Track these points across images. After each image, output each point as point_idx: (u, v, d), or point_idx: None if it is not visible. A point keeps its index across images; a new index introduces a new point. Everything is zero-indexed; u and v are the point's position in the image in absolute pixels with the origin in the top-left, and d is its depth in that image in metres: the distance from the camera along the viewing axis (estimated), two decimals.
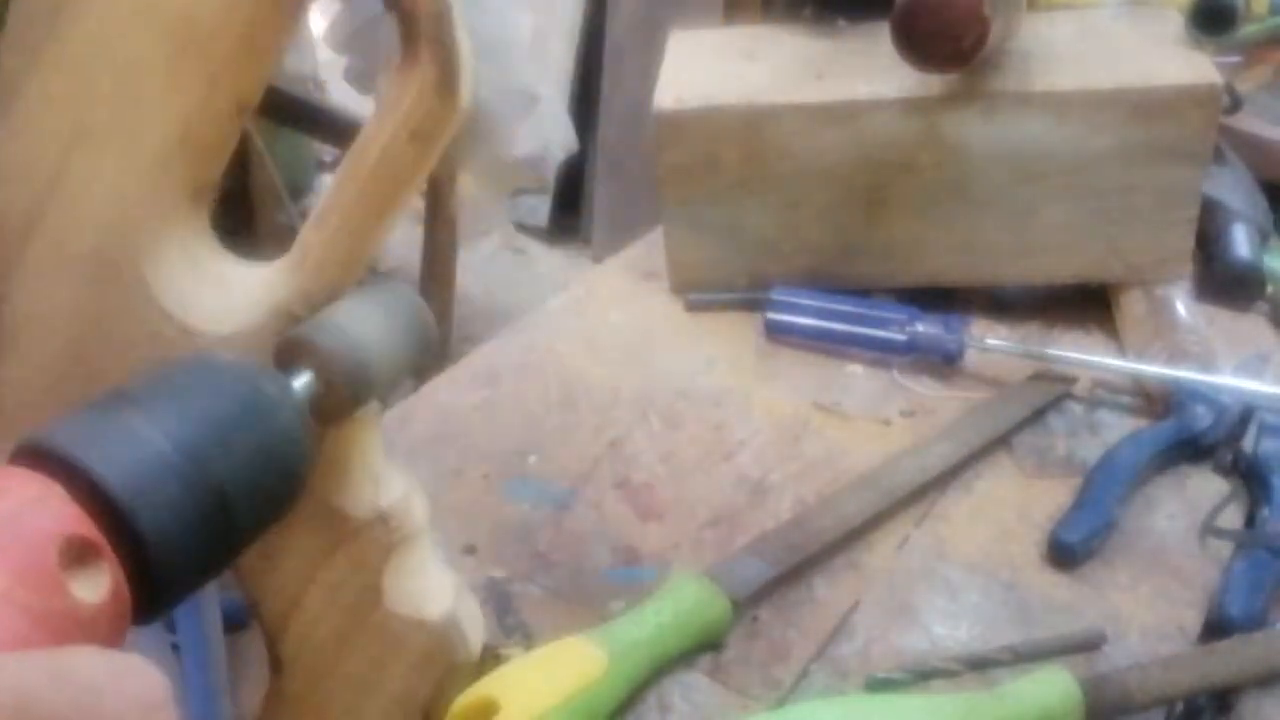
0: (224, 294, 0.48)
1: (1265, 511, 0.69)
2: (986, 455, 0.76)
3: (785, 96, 0.84)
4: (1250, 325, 0.88)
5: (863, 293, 0.89)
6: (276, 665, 0.52)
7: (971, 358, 0.83)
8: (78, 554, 0.31)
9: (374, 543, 0.50)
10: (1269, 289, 0.89)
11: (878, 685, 0.59)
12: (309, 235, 0.47)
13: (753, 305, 0.89)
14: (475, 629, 0.55)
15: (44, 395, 0.49)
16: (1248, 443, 0.74)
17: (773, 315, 0.87)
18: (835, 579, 0.67)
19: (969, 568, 0.67)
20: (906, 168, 0.84)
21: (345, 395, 0.43)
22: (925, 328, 0.83)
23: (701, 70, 0.90)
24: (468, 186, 1.93)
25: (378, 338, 0.45)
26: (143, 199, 0.46)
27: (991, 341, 0.84)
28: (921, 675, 0.60)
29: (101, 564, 0.32)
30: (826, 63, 0.88)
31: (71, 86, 0.46)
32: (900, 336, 0.84)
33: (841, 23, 0.94)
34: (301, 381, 0.42)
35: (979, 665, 0.60)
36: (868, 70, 0.85)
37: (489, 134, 1.79)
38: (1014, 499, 0.73)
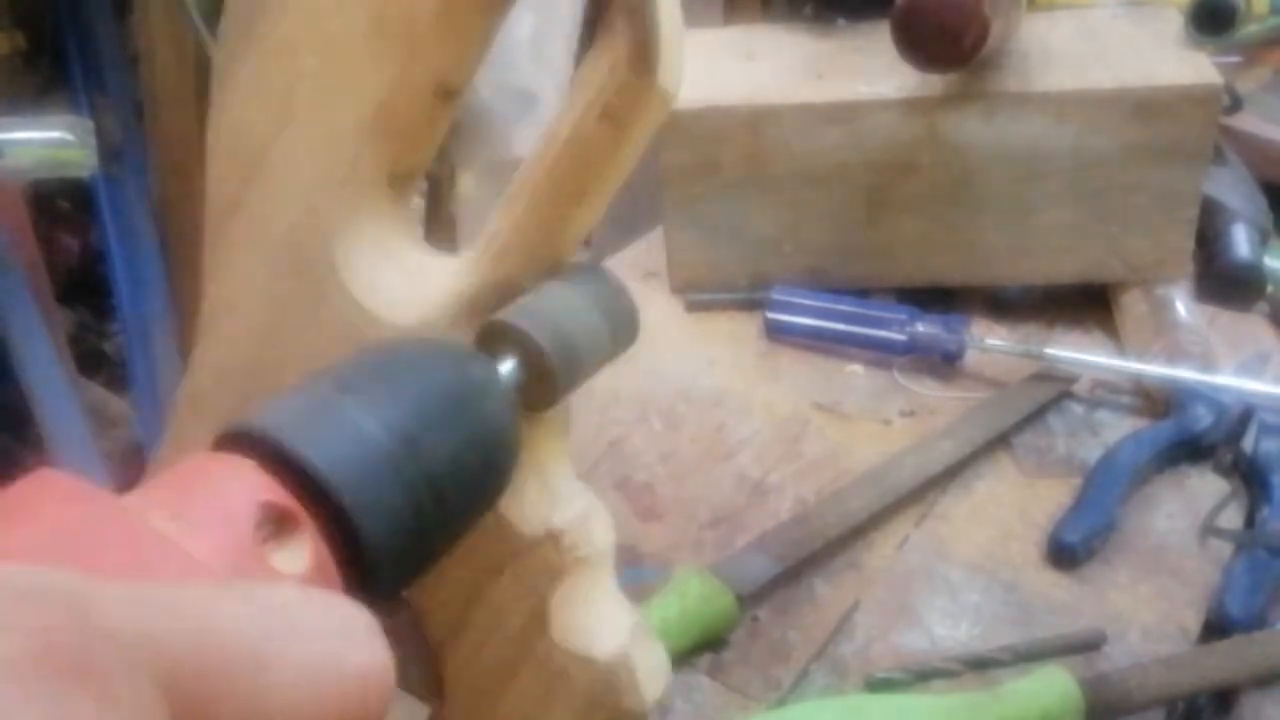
0: (411, 283, 0.47)
1: (1265, 511, 0.69)
2: (986, 455, 0.76)
3: (785, 96, 0.84)
4: (1250, 325, 0.88)
5: (863, 293, 0.89)
6: (438, 687, 0.49)
7: (971, 358, 0.83)
8: (275, 525, 0.30)
9: (543, 564, 0.46)
10: (1269, 289, 0.89)
11: (878, 685, 0.60)
12: (496, 222, 0.45)
13: (753, 305, 0.89)
14: (653, 679, 0.49)
15: (238, 379, 0.48)
16: (1248, 443, 0.74)
17: (773, 315, 0.87)
18: (835, 579, 0.67)
19: (969, 568, 0.67)
20: (906, 168, 0.84)
21: (552, 380, 0.42)
22: (925, 328, 0.83)
23: (701, 70, 0.90)
24: (468, 186, 1.93)
25: (580, 322, 0.43)
26: (337, 181, 0.45)
27: (991, 341, 0.84)
28: (921, 675, 0.60)
29: (302, 535, 0.30)
30: (826, 63, 0.88)
31: (280, 64, 0.46)
32: (900, 336, 0.84)
33: (841, 22, 0.94)
34: (508, 367, 0.41)
35: (979, 665, 0.60)
36: (868, 70, 0.85)
37: (489, 134, 1.79)
38: (1014, 499, 0.73)
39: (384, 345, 0.38)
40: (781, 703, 0.59)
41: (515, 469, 0.39)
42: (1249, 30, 0.98)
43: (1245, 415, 0.75)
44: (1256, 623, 0.62)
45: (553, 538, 0.46)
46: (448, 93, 0.46)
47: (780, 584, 0.65)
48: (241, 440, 0.32)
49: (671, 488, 0.74)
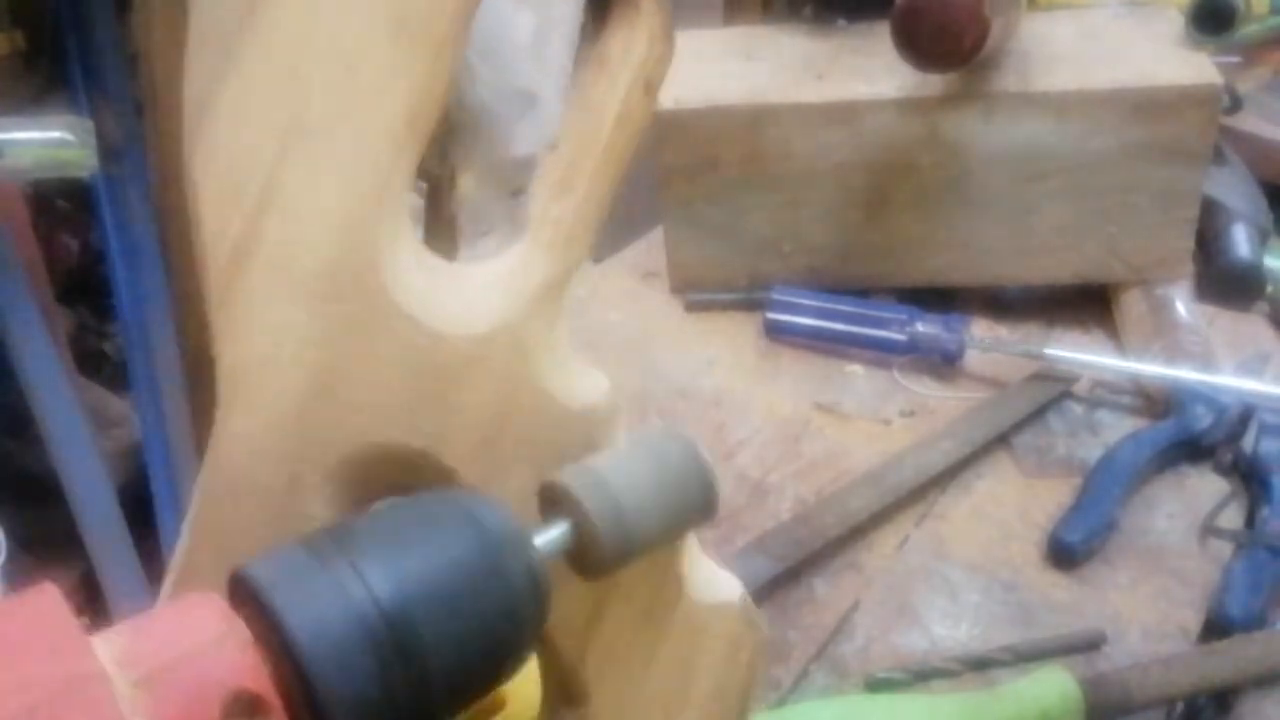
0: (464, 290, 0.43)
1: (1265, 511, 0.69)
2: (986, 455, 0.76)
3: (785, 96, 0.84)
4: (1250, 325, 0.88)
5: (863, 293, 0.89)
6: (577, 697, 0.47)
7: (971, 358, 0.83)
8: (245, 709, 0.30)
9: None
10: (1269, 289, 0.89)
11: (878, 685, 0.59)
12: (554, 209, 0.43)
13: (753, 305, 0.89)
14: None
15: (290, 443, 0.42)
16: (1248, 443, 0.74)
17: (773, 315, 0.87)
18: (835, 579, 0.67)
19: (969, 568, 0.67)
20: (906, 168, 0.84)
21: (604, 552, 0.39)
22: (925, 328, 0.83)
23: (701, 70, 0.90)
24: (468, 186, 1.93)
25: (644, 491, 0.40)
26: (374, 194, 0.42)
27: (991, 341, 0.84)
28: (921, 675, 0.60)
29: None
30: (826, 63, 0.88)
31: (279, 83, 0.41)
32: (900, 336, 0.84)
33: (841, 22, 0.94)
34: (552, 534, 0.38)
35: (979, 665, 0.60)
36: (868, 70, 0.85)
37: (489, 134, 1.79)
38: (1014, 499, 0.73)
39: (405, 502, 0.36)
40: (781, 703, 0.59)
41: (532, 645, 0.37)
42: (1249, 30, 0.98)
43: (1245, 415, 0.75)
44: (1256, 623, 0.62)
45: None
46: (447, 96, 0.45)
47: (780, 584, 0.65)
48: (243, 588, 0.32)
49: None
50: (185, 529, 0.45)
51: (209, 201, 0.42)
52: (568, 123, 0.44)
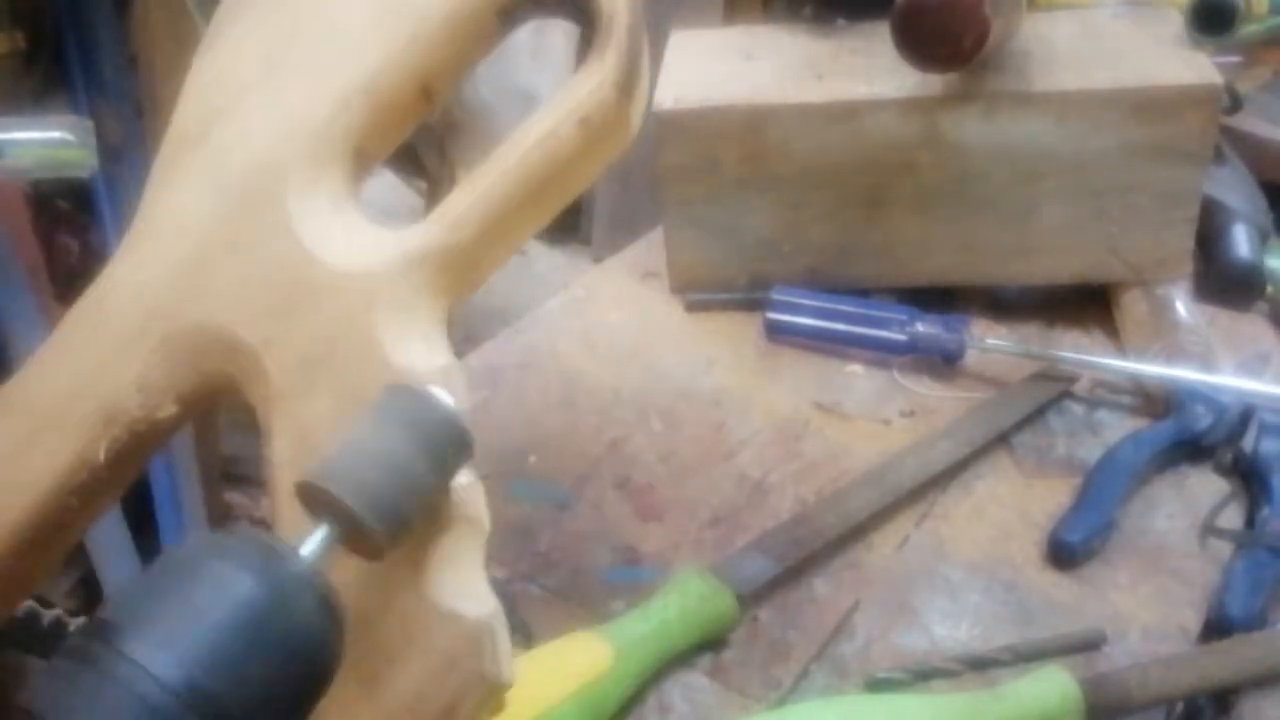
0: (359, 240, 0.49)
1: (1265, 511, 0.69)
2: (986, 455, 0.76)
3: (785, 96, 0.84)
4: (1250, 325, 0.88)
5: (863, 293, 0.89)
6: None
7: (971, 358, 0.83)
8: None
9: (430, 512, 0.44)
10: (1269, 289, 0.89)
11: (878, 685, 0.59)
12: (455, 195, 0.48)
13: (753, 305, 0.89)
14: (509, 661, 0.47)
15: (154, 299, 0.49)
16: (1248, 443, 0.74)
17: (773, 315, 0.87)
18: (835, 579, 0.67)
19: (969, 568, 0.67)
20: (906, 168, 0.84)
21: (376, 537, 0.39)
22: (925, 328, 0.83)
23: (701, 70, 0.90)
24: None
25: (394, 457, 0.39)
26: (309, 134, 0.48)
27: (991, 341, 0.84)
28: (921, 675, 0.60)
29: None
30: (826, 63, 0.88)
31: (275, 28, 0.50)
32: (900, 336, 0.84)
33: (841, 22, 0.94)
34: (314, 543, 0.37)
35: (979, 665, 0.60)
36: (868, 70, 0.85)
37: (489, 134, 1.78)
38: (1014, 499, 0.73)
39: (159, 564, 0.34)
40: (781, 703, 0.59)
41: (339, 662, 0.35)
42: (1249, 30, 0.98)
43: (1245, 415, 0.75)
44: (1256, 623, 0.62)
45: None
46: (429, 95, 0.49)
47: (780, 584, 0.65)
48: (22, 717, 0.30)
49: (671, 488, 0.74)
50: (44, 346, 0.52)
51: (189, 97, 0.51)
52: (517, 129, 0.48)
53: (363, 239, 0.49)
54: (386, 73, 0.48)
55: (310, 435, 0.46)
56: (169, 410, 0.50)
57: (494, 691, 0.45)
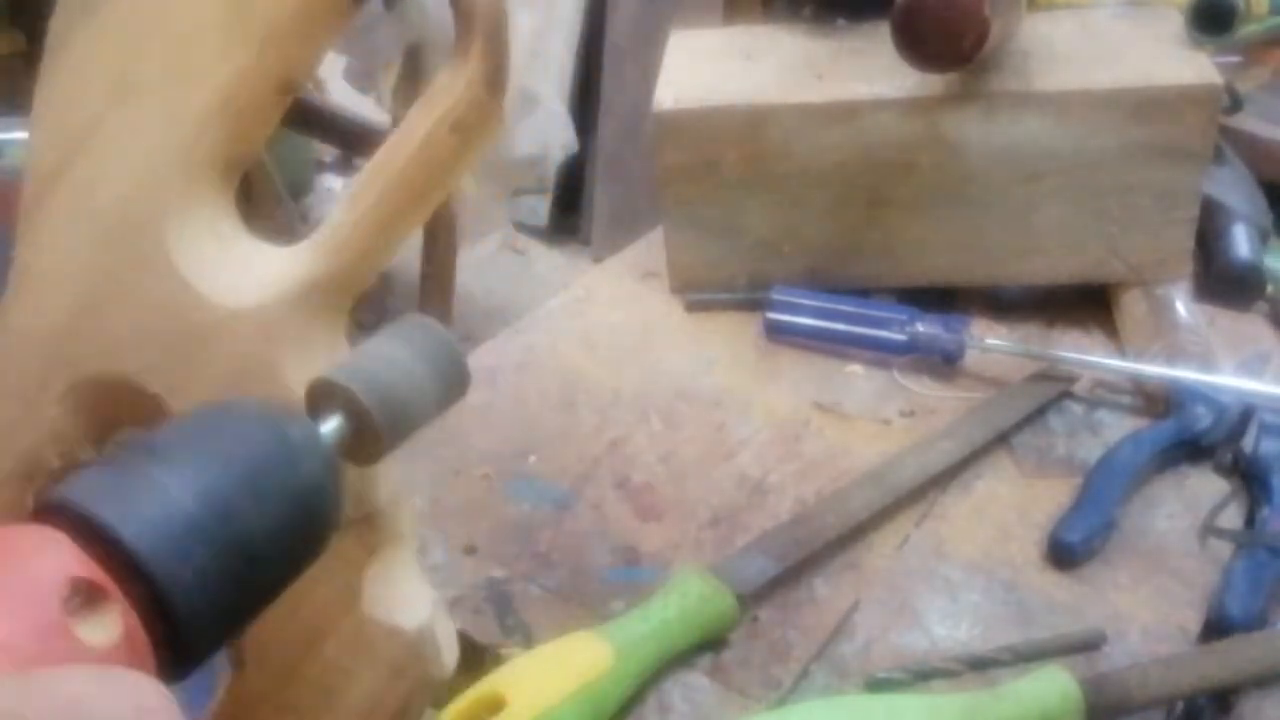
0: (245, 269, 0.47)
1: (1265, 511, 0.69)
2: (986, 455, 0.76)
3: (785, 96, 0.84)
4: (1250, 325, 0.88)
5: (863, 293, 0.89)
6: (238, 661, 0.50)
7: (971, 358, 0.83)
8: (84, 598, 0.30)
9: (357, 542, 0.48)
10: (1269, 289, 0.89)
11: (878, 685, 0.59)
12: (339, 215, 0.47)
13: (753, 305, 0.89)
14: (450, 649, 0.52)
15: (51, 349, 0.48)
16: (1248, 443, 0.74)
17: (773, 315, 0.87)
18: (835, 579, 0.67)
19: (969, 568, 0.67)
20: (906, 168, 0.84)
21: (376, 437, 0.42)
22: (925, 328, 0.83)
23: (701, 70, 0.90)
24: (468, 186, 1.93)
25: (407, 376, 0.43)
26: (175, 161, 0.46)
27: (991, 341, 0.84)
28: (921, 675, 0.60)
29: (111, 607, 0.31)
30: (826, 63, 0.88)
31: (120, 43, 0.47)
32: (900, 336, 0.84)
33: (841, 23, 0.94)
34: (331, 426, 0.41)
35: (979, 665, 0.60)
36: (868, 70, 0.85)
37: None
38: (1014, 499, 0.73)
39: (202, 411, 0.38)
40: (781, 703, 0.59)
41: (337, 526, 0.39)
42: (1249, 30, 0.98)
43: (1245, 415, 0.75)
44: (1256, 623, 0.62)
45: (368, 519, 0.48)
46: (287, 89, 0.48)
47: (780, 584, 0.65)
48: (54, 510, 0.33)
49: (671, 488, 0.74)
50: None
51: (43, 125, 0.49)
52: (384, 142, 0.47)
53: (250, 270, 0.47)
54: (245, 81, 0.46)
55: None
56: (88, 454, 0.49)
57: (439, 687, 0.50)
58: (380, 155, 0.47)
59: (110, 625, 0.31)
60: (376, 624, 0.48)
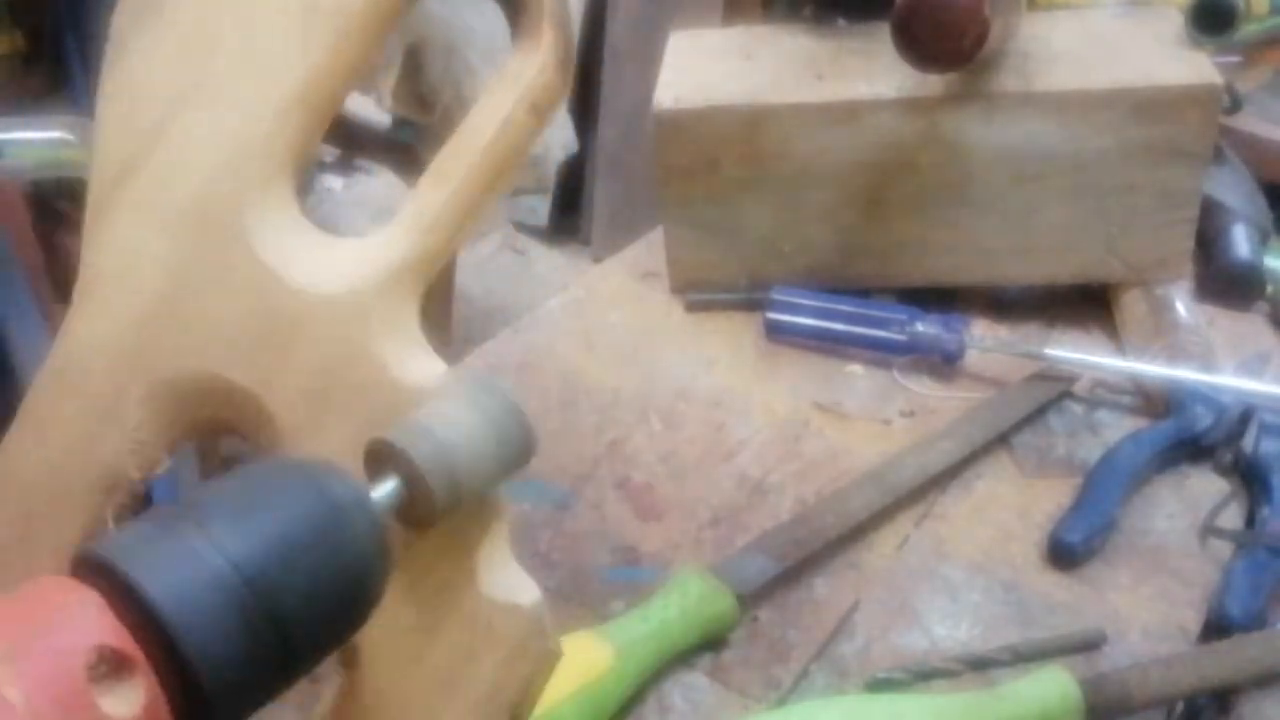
0: (329, 257, 0.47)
1: (1265, 511, 0.69)
2: (986, 455, 0.76)
3: (785, 96, 0.84)
4: (1250, 325, 0.88)
5: (863, 293, 0.89)
6: (351, 659, 0.49)
7: (971, 358, 0.83)
8: (110, 666, 0.30)
9: (472, 521, 0.46)
10: (1269, 289, 0.89)
11: (878, 685, 0.59)
12: (426, 195, 0.47)
13: (753, 305, 0.89)
14: (554, 629, 0.50)
15: (127, 352, 0.47)
16: (1248, 443, 0.74)
17: (773, 315, 0.87)
18: (835, 579, 0.67)
19: (969, 568, 0.67)
20: (906, 168, 0.84)
21: (433, 503, 0.41)
22: (925, 328, 0.83)
23: (701, 70, 0.90)
24: None
25: (469, 441, 0.42)
26: (255, 154, 0.46)
27: (991, 341, 0.84)
28: (921, 675, 0.60)
29: (136, 679, 0.30)
30: (826, 63, 0.88)
31: (191, 38, 0.47)
32: (900, 336, 0.84)
33: (841, 23, 0.94)
34: (385, 490, 0.40)
35: (979, 665, 0.60)
36: (868, 70, 0.85)
37: None
38: (1014, 499, 0.73)
39: (249, 469, 0.38)
40: (781, 703, 0.59)
41: (381, 596, 0.38)
42: (1249, 30, 0.98)
43: (1245, 415, 0.75)
44: (1256, 623, 0.62)
45: (483, 496, 0.46)
46: (355, 83, 0.48)
47: (780, 584, 0.65)
48: (91, 566, 0.32)
49: (671, 488, 0.74)
50: (20, 417, 0.48)
51: (109, 126, 0.48)
52: (460, 124, 0.47)
53: (335, 256, 0.47)
54: (319, 77, 0.47)
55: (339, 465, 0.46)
56: (164, 464, 0.48)
57: (556, 662, 0.49)
58: (461, 135, 0.47)
59: (133, 697, 0.30)
60: (495, 604, 0.47)
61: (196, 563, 0.33)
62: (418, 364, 0.47)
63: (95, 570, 0.32)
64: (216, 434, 0.50)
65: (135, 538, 0.33)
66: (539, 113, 0.47)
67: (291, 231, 0.47)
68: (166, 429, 0.47)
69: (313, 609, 0.35)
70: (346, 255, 0.47)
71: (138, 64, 0.48)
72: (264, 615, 0.33)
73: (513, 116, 0.47)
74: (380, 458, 0.41)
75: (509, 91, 0.47)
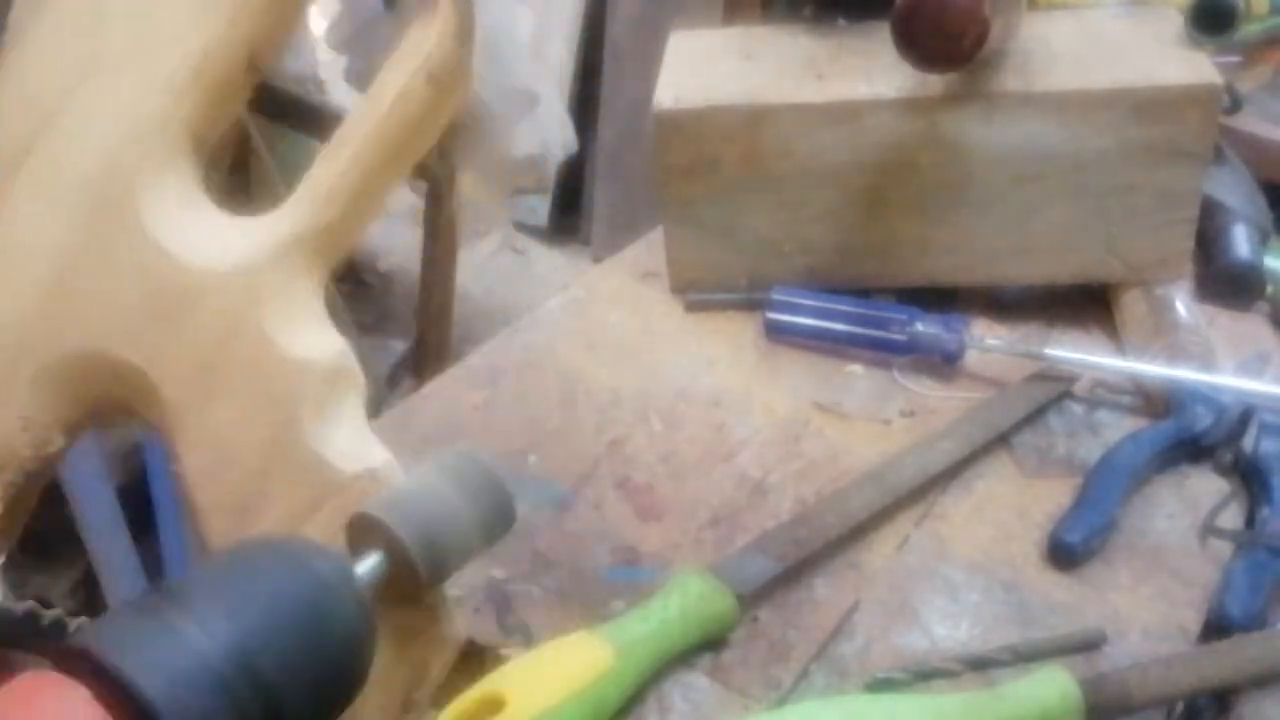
0: (222, 235, 0.47)
1: (1265, 511, 0.69)
2: (986, 455, 0.76)
3: (785, 96, 0.84)
4: (1250, 325, 0.88)
5: (863, 293, 0.89)
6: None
7: (971, 358, 0.83)
8: None
9: (362, 499, 0.46)
10: (1269, 289, 0.89)
11: (878, 685, 0.59)
12: (318, 170, 0.47)
13: (753, 305, 0.89)
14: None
15: (20, 331, 0.47)
16: (1248, 443, 0.74)
17: (773, 315, 0.87)
18: (835, 579, 0.67)
19: (969, 568, 0.67)
20: (906, 168, 0.84)
21: (417, 577, 0.41)
22: (925, 328, 0.83)
23: (701, 70, 0.90)
24: (468, 186, 1.93)
25: (450, 513, 0.42)
26: (147, 131, 0.46)
27: (991, 341, 0.84)
28: (921, 675, 0.60)
29: None
30: (826, 63, 0.88)
31: (85, 20, 0.46)
32: (900, 336, 0.84)
33: (841, 23, 0.94)
34: (368, 565, 0.40)
35: (979, 665, 0.60)
36: (868, 70, 0.85)
37: (489, 134, 1.78)
38: (1014, 499, 0.73)
39: (231, 551, 0.37)
40: (781, 703, 0.59)
41: (368, 672, 0.38)
42: (1249, 30, 0.98)
43: (1245, 415, 0.75)
44: (1256, 623, 0.62)
45: (370, 475, 0.46)
46: (257, 63, 0.48)
47: (780, 584, 0.65)
48: (76, 657, 0.32)
49: (671, 488, 0.74)
50: None
51: (6, 111, 0.48)
52: (356, 101, 0.48)
53: (226, 232, 0.47)
54: (213, 53, 0.46)
55: (224, 443, 0.45)
56: (58, 444, 0.48)
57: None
58: (356, 110, 0.47)
59: None
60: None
61: (185, 651, 0.32)
62: (309, 340, 0.47)
63: (80, 662, 0.31)
64: (109, 413, 0.49)
65: (121, 627, 0.33)
66: (438, 83, 0.47)
67: (187, 209, 0.47)
68: (58, 408, 0.47)
69: (302, 690, 0.34)
70: (240, 232, 0.47)
71: (34, 51, 0.47)
72: (255, 700, 0.33)
73: (410, 88, 0.46)
74: (362, 531, 0.41)
75: (407, 63, 0.47)
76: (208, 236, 0.47)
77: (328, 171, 0.46)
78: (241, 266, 0.46)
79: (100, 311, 0.46)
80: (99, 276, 0.46)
